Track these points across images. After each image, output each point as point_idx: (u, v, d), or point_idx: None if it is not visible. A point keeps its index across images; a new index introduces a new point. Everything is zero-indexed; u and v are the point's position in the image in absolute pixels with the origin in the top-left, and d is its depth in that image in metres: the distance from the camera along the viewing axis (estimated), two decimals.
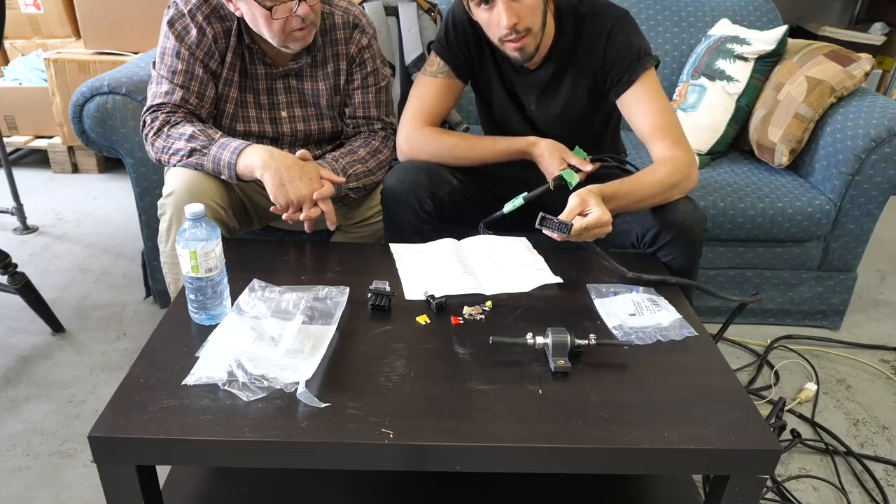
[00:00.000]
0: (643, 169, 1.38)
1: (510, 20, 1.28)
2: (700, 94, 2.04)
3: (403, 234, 1.41)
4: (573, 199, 1.22)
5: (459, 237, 1.40)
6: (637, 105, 1.40)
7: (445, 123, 1.69)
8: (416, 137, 1.48)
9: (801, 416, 1.65)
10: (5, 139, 2.62)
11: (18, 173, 2.45)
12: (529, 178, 1.45)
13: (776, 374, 1.80)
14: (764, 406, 1.68)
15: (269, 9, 1.27)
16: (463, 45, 1.48)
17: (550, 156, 1.42)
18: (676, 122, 1.42)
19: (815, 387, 1.72)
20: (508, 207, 1.38)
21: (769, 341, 1.92)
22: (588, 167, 1.40)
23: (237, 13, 1.33)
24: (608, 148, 1.63)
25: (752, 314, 2.00)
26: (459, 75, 1.51)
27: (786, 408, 1.65)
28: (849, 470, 1.50)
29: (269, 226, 1.64)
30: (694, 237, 1.35)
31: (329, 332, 1.05)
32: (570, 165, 1.40)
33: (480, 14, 1.33)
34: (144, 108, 1.39)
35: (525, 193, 1.37)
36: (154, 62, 1.41)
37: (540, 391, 0.97)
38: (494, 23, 1.31)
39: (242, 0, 1.29)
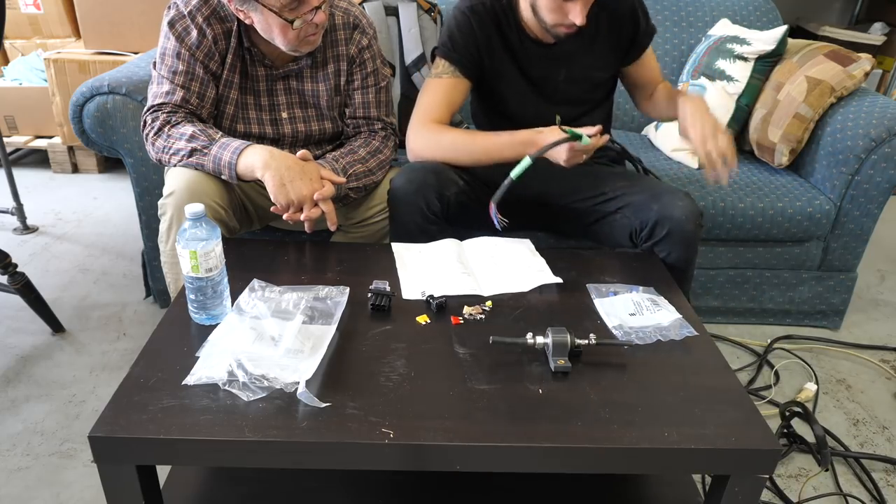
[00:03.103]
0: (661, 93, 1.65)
1: (583, 21, 1.36)
2: (700, 94, 2.04)
3: (409, 235, 1.41)
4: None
5: (460, 237, 1.40)
6: (646, 60, 1.63)
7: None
8: (420, 135, 1.49)
9: (800, 416, 1.65)
10: (5, 139, 2.62)
11: (18, 173, 2.46)
12: (530, 174, 1.45)
13: (776, 374, 1.80)
14: (764, 406, 1.68)
15: (290, 21, 1.27)
16: (471, 45, 1.49)
17: (552, 133, 1.39)
18: None
19: (815, 387, 1.72)
20: (517, 171, 1.33)
21: (769, 341, 1.92)
22: (592, 130, 1.36)
23: (247, 21, 1.33)
24: (607, 127, 1.69)
25: (752, 314, 2.00)
26: (466, 74, 1.51)
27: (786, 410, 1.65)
28: (849, 470, 1.51)
29: (269, 226, 1.64)
30: (689, 232, 1.37)
31: (329, 332, 1.05)
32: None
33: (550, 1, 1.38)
34: (145, 108, 1.39)
35: (530, 153, 1.34)
36: (154, 62, 1.41)
37: (540, 391, 0.97)
38: (564, 13, 1.37)
39: (258, 12, 1.29)
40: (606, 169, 1.65)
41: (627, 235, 1.45)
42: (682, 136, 1.43)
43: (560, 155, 1.37)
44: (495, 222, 1.33)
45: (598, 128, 1.36)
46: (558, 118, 1.40)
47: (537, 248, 1.36)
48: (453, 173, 1.48)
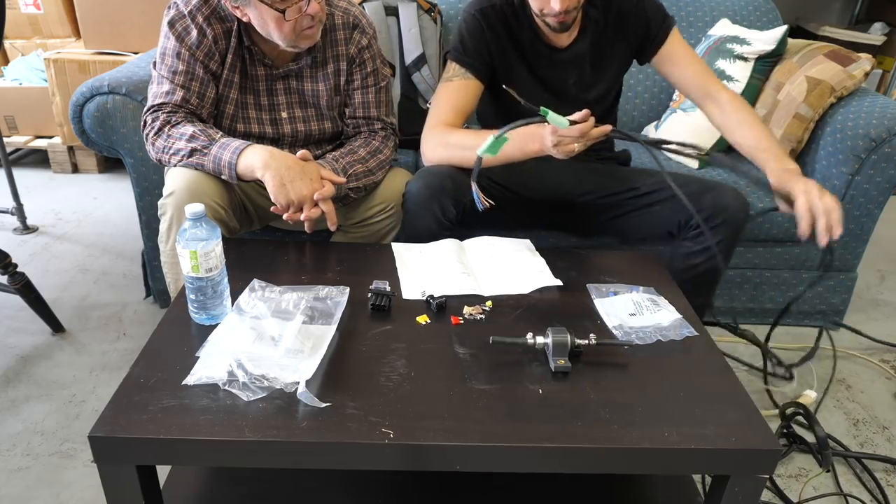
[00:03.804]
0: (748, 125, 1.50)
1: (562, 5, 1.34)
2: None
3: (420, 239, 1.40)
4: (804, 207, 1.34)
5: (461, 237, 1.39)
6: (676, 55, 1.54)
7: None
8: (429, 138, 1.49)
9: (801, 417, 1.65)
10: (5, 139, 2.62)
11: (18, 173, 2.46)
12: (547, 172, 1.44)
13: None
14: (762, 401, 1.68)
15: (282, 11, 1.27)
16: (482, 47, 1.50)
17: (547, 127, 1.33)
18: None
19: (814, 394, 1.70)
20: (482, 149, 1.23)
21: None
22: (577, 116, 1.28)
23: (244, 19, 1.33)
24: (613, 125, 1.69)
25: (752, 314, 2.00)
26: (477, 76, 1.51)
27: (786, 413, 1.64)
28: (849, 470, 1.51)
29: (269, 226, 1.64)
30: (742, 220, 1.44)
31: (329, 332, 1.05)
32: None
33: None
34: (145, 108, 1.39)
35: (498, 131, 1.23)
36: (154, 62, 1.41)
37: (540, 391, 0.97)
38: (545, 1, 1.36)
39: (251, 6, 1.29)
40: (624, 168, 1.66)
41: (665, 226, 1.48)
42: (780, 196, 1.41)
43: (546, 141, 1.30)
44: (477, 203, 1.28)
45: (584, 112, 1.27)
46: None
47: (537, 248, 1.36)
48: (469, 178, 1.46)
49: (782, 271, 1.93)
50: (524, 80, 1.55)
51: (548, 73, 1.54)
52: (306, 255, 1.35)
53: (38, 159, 3.02)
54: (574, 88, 1.55)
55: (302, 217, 1.33)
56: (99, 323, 1.89)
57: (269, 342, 1.01)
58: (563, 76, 1.54)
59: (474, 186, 1.28)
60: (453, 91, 1.51)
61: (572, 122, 1.25)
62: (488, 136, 1.36)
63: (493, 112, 1.67)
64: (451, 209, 1.41)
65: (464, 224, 1.47)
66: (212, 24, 1.38)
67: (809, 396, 1.70)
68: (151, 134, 1.36)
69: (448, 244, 1.36)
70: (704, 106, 1.58)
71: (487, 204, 1.29)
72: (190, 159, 1.32)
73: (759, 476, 0.93)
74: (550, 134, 1.28)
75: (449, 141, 1.46)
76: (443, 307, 1.15)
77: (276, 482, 1.15)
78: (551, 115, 1.23)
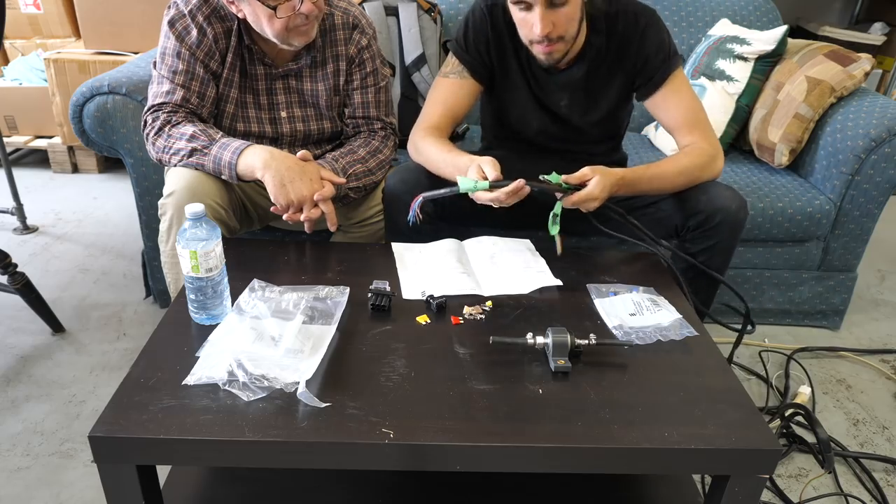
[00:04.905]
0: (668, 157, 1.42)
1: (544, 29, 1.30)
2: (700, 94, 2.04)
3: (403, 234, 1.41)
4: (586, 169, 1.26)
5: (461, 237, 1.40)
6: (665, 102, 1.47)
7: None
8: (412, 142, 1.48)
9: (802, 418, 1.65)
10: (5, 139, 2.62)
11: (18, 173, 2.46)
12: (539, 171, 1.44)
13: (768, 379, 1.80)
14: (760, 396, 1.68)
15: (273, 8, 1.27)
16: (483, 48, 1.48)
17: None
18: (704, 116, 1.49)
19: (808, 390, 1.71)
20: (465, 187, 1.21)
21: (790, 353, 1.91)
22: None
23: (240, 15, 1.34)
24: (616, 149, 1.66)
25: (752, 314, 1.97)
26: (475, 76, 1.50)
27: (786, 413, 1.64)
28: (849, 470, 1.51)
29: (269, 226, 1.64)
30: (741, 220, 1.42)
31: (329, 332, 1.05)
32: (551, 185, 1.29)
33: (516, 12, 1.34)
34: (145, 108, 1.39)
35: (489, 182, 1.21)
36: (154, 62, 1.41)
37: (540, 391, 0.97)
38: (528, 25, 1.32)
39: (245, 1, 1.29)
40: None
41: (664, 228, 1.46)
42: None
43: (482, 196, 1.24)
44: (411, 212, 1.25)
45: (518, 184, 1.21)
46: (555, 175, 1.26)
47: (537, 248, 1.36)
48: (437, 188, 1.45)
49: (782, 271, 1.93)
50: (520, 90, 1.53)
51: (542, 90, 1.52)
52: (306, 255, 1.35)
53: (38, 159, 3.02)
54: (566, 110, 1.52)
55: (302, 217, 1.33)
56: (99, 323, 1.89)
57: (269, 342, 1.01)
58: (555, 97, 1.52)
59: (419, 200, 1.25)
60: (446, 90, 1.50)
61: (568, 187, 1.26)
62: (458, 157, 1.34)
63: (490, 118, 1.66)
64: (429, 203, 1.40)
65: (444, 219, 1.46)
66: (212, 23, 1.38)
67: (805, 394, 1.70)
68: (152, 134, 1.36)
69: (448, 244, 1.36)
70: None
71: (419, 219, 1.27)
72: (190, 159, 1.32)
73: (759, 476, 0.93)
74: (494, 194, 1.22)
75: (424, 154, 1.44)
76: (443, 307, 1.15)
77: (276, 482, 1.15)
78: (555, 178, 1.26)
